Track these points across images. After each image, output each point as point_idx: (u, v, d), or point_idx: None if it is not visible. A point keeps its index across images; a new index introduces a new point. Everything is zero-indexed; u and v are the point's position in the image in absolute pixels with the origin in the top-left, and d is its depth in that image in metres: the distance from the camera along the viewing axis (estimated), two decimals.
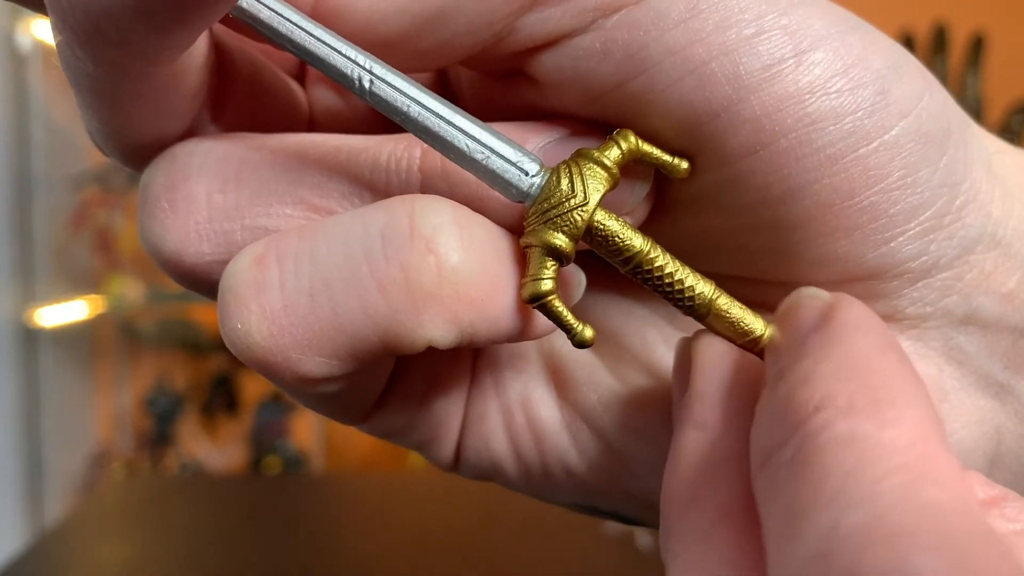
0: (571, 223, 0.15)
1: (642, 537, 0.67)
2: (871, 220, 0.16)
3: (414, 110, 0.15)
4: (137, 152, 0.17)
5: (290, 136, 0.17)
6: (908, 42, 1.79)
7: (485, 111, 0.17)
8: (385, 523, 0.73)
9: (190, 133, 0.17)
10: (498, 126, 0.16)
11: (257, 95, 0.18)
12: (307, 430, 1.94)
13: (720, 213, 0.17)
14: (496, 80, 0.17)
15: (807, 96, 0.15)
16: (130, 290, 1.85)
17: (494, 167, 0.15)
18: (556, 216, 0.15)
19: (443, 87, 0.19)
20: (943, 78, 1.78)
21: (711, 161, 0.16)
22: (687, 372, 0.16)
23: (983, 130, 0.18)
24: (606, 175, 0.15)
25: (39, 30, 1.72)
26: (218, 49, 0.17)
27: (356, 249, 0.15)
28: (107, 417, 2.04)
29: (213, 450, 1.99)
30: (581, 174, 0.15)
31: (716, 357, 0.16)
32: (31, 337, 1.75)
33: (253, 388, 1.99)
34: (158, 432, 1.95)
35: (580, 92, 0.16)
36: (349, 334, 0.15)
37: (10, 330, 1.72)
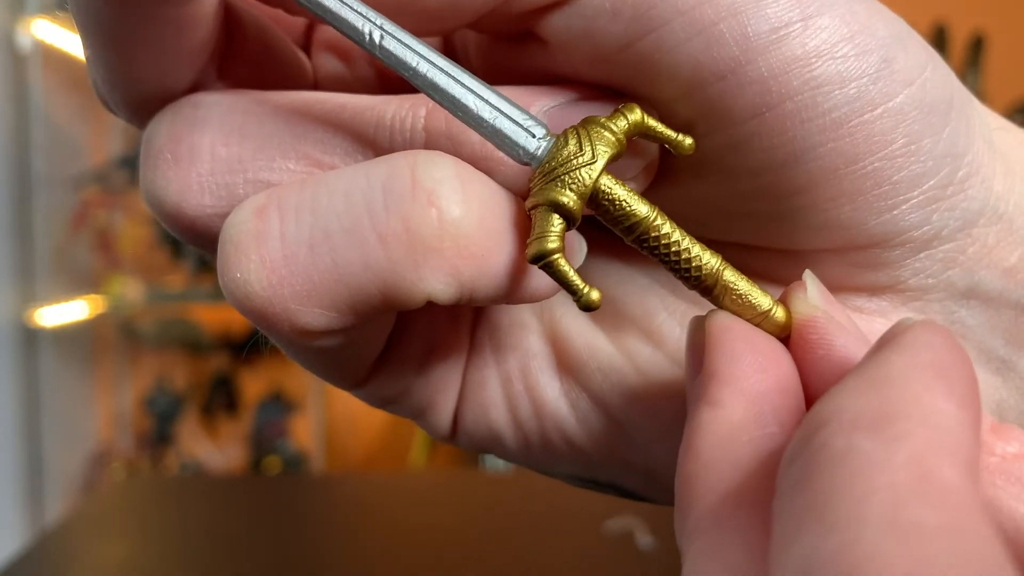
0: (578, 181, 0.15)
1: (642, 537, 0.67)
2: (874, 186, 0.16)
3: (423, 66, 0.15)
4: (142, 105, 0.17)
5: (295, 93, 0.17)
6: None
7: (492, 76, 0.17)
8: (385, 523, 0.73)
9: (194, 90, 0.17)
10: (505, 89, 0.16)
11: (263, 58, 0.18)
12: (307, 430, 1.94)
13: (725, 177, 0.17)
14: (504, 44, 0.17)
15: (814, 60, 0.15)
16: (130, 290, 1.85)
17: (501, 127, 0.15)
18: (563, 174, 0.15)
19: (450, 53, 0.19)
20: None
21: (717, 123, 0.16)
22: (700, 350, 0.16)
23: (985, 107, 0.18)
24: (613, 139, 0.15)
25: (39, 30, 1.72)
26: (228, 8, 0.17)
27: (358, 201, 0.15)
28: (107, 417, 2.04)
29: (213, 450, 1.99)
30: (589, 135, 0.15)
31: (730, 335, 0.15)
32: (31, 337, 1.75)
33: (253, 388, 1.99)
34: (158, 432, 1.95)
35: (589, 52, 0.16)
36: (349, 285, 0.15)
37: (10, 330, 1.72)
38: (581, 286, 0.15)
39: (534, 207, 0.15)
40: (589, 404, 0.19)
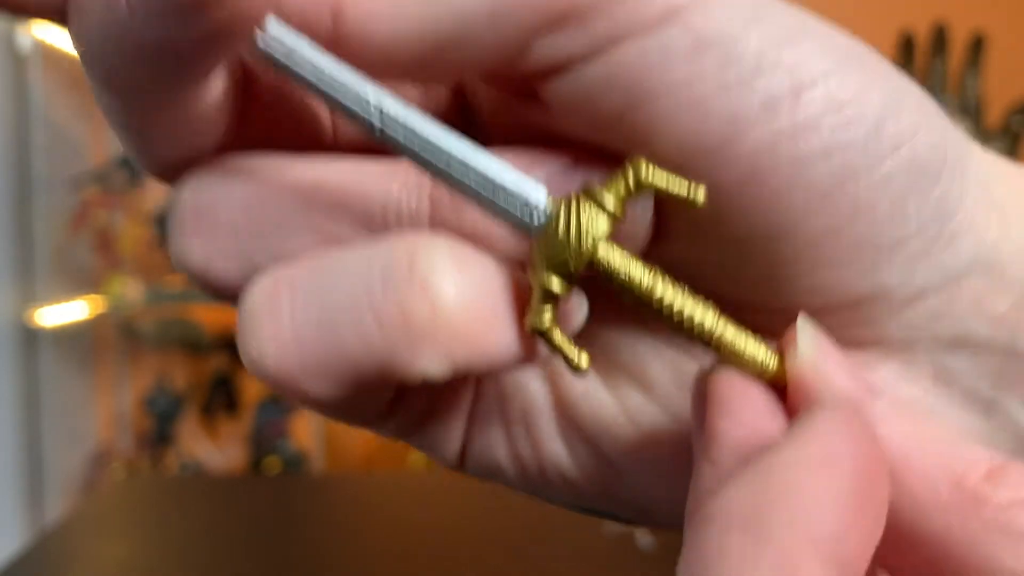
0: (566, 270, 0.15)
1: (642, 537, 0.67)
2: (858, 252, 0.16)
3: (421, 148, 0.15)
4: (168, 170, 0.18)
5: (310, 163, 0.17)
6: (908, 43, 1.80)
7: (500, 128, 0.17)
8: (385, 523, 0.73)
9: (219, 151, 0.18)
10: (507, 151, 0.16)
11: (281, 112, 0.19)
12: (307, 430, 1.95)
13: (712, 245, 0.17)
14: (512, 99, 0.18)
15: (800, 133, 0.15)
16: (130, 290, 1.85)
17: (498, 208, 0.15)
18: (554, 260, 0.15)
19: (459, 103, 0.20)
20: (943, 79, 1.78)
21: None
22: (703, 405, 0.16)
23: (985, 153, 0.18)
24: (605, 219, 0.15)
25: (40, 30, 1.72)
26: (243, 68, 0.18)
27: (359, 286, 0.16)
28: (107, 417, 2.04)
29: (213, 450, 1.99)
30: (579, 221, 0.15)
31: (728, 393, 0.16)
32: (31, 337, 1.75)
33: (253, 388, 2.00)
34: (158, 432, 1.95)
35: (587, 119, 0.16)
36: (351, 364, 0.16)
37: (10, 330, 1.72)
38: (571, 353, 0.16)
39: (530, 281, 0.16)
40: (584, 447, 0.20)
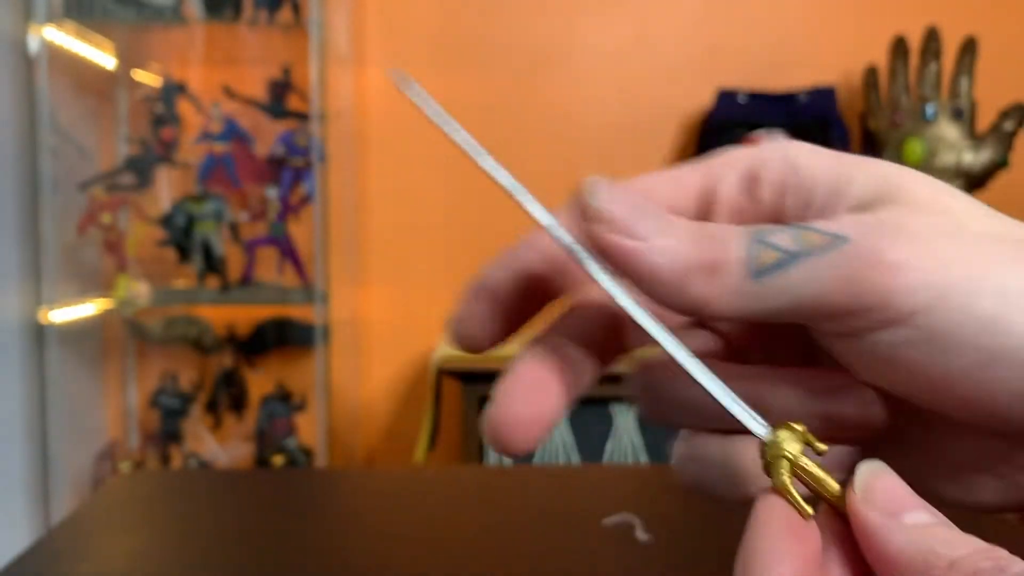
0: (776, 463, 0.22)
1: (640, 534, 0.67)
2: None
3: (714, 390, 0.22)
4: None
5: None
6: (901, 46, 1.80)
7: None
8: (388, 519, 0.74)
9: None
10: (776, 372, 0.25)
11: None
12: (312, 428, 1.96)
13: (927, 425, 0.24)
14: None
15: (983, 383, 0.21)
16: (138, 290, 1.86)
17: (742, 421, 0.23)
18: (767, 456, 0.22)
19: None
20: (935, 82, 1.79)
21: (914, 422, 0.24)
22: None
23: None
24: (797, 446, 0.22)
25: (49, 34, 1.73)
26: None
27: None
28: (115, 415, 2.05)
29: (219, 448, 2.00)
30: (782, 446, 0.22)
31: (768, 520, 0.21)
32: (40, 336, 1.76)
33: (259, 386, 2.01)
34: (165, 430, 1.96)
35: (847, 363, 0.23)
36: None
37: (19, 329, 1.74)
38: (800, 506, 0.21)
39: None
40: None
